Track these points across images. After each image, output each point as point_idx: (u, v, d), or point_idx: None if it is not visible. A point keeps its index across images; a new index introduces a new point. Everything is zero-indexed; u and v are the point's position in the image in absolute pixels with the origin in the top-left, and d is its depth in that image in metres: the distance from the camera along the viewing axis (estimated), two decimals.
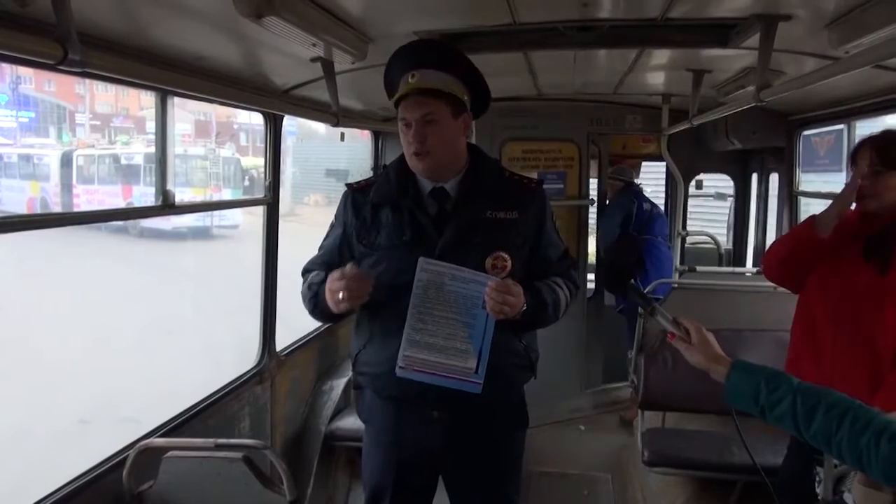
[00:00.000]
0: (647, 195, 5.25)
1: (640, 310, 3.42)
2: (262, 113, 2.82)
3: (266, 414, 3.00)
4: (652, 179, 6.75)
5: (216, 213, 14.49)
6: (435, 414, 1.96)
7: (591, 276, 5.00)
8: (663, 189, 5.84)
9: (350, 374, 2.59)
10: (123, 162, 15.66)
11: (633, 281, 4.63)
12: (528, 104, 4.31)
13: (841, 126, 3.51)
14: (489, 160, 2.07)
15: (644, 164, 6.14)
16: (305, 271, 2.09)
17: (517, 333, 1.99)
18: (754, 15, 2.01)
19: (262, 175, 3.00)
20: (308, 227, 4.17)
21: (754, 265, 5.07)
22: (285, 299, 2.94)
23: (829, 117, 3.42)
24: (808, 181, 3.85)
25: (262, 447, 2.13)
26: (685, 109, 3.67)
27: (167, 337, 8.96)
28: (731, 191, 5.50)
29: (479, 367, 1.85)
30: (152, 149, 3.18)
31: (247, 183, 16.36)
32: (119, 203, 14.33)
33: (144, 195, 13.46)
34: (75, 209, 14.24)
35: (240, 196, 15.61)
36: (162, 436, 2.25)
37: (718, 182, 5.90)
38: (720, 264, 5.24)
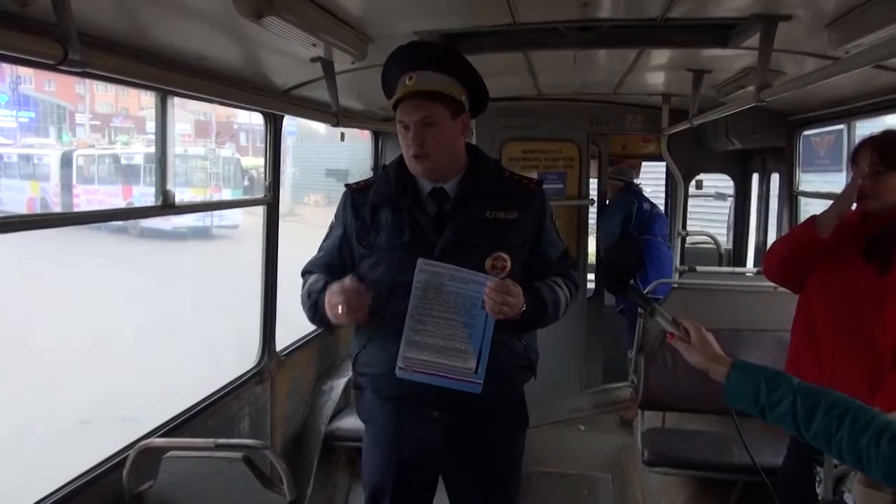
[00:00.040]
0: (646, 195, 5.26)
1: (639, 310, 3.43)
2: (262, 113, 2.82)
3: (266, 414, 3.00)
4: (652, 179, 6.75)
5: (216, 213, 14.49)
6: (435, 414, 1.96)
7: (591, 276, 5.00)
8: (663, 189, 5.84)
9: (350, 374, 2.59)
10: (123, 162, 15.66)
11: (632, 281, 4.63)
12: (528, 104, 4.31)
13: (841, 126, 3.51)
14: (488, 160, 2.07)
15: (644, 164, 6.14)
16: (305, 272, 2.09)
17: (517, 333, 1.99)
18: (754, 15, 2.01)
19: (262, 175, 3.00)
20: (308, 227, 4.17)
21: (755, 265, 5.07)
22: (285, 299, 2.94)
23: (829, 117, 3.42)
24: (808, 181, 3.86)
25: (262, 447, 2.13)
26: (685, 109, 3.67)
27: (167, 337, 8.96)
28: (730, 191, 5.50)
29: (479, 368, 1.85)
30: (152, 149, 3.18)
31: (247, 183, 16.36)
32: (119, 203, 14.33)
33: (144, 195, 13.46)
34: (75, 209, 14.24)
35: (240, 196, 15.61)
36: (162, 436, 2.25)
37: (718, 182, 5.90)
38: (720, 264, 5.24)
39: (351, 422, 3.26)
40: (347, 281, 1.84)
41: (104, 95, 25.44)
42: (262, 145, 2.96)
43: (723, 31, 2.27)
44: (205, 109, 22.50)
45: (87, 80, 14.79)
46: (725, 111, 3.05)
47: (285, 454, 3.12)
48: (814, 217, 2.24)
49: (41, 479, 2.09)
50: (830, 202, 2.27)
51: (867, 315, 2.08)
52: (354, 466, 3.52)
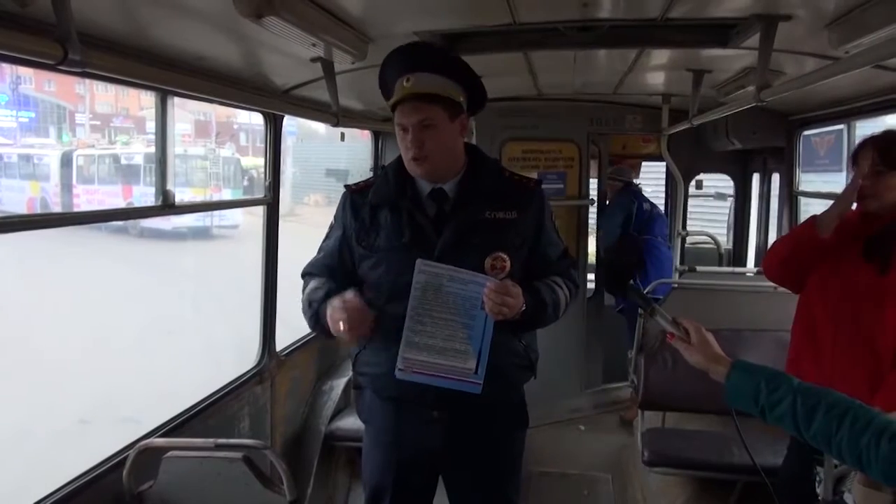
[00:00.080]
0: (646, 195, 5.26)
1: (639, 310, 3.43)
2: (262, 113, 2.82)
3: (266, 414, 3.00)
4: (652, 179, 6.74)
5: (216, 213, 14.49)
6: (435, 414, 1.96)
7: (591, 276, 5.00)
8: (663, 189, 5.84)
9: (350, 374, 2.59)
10: (123, 162, 15.65)
11: (632, 281, 4.63)
12: (528, 104, 4.31)
13: (841, 126, 3.51)
14: (487, 160, 2.07)
15: (644, 164, 6.14)
16: (305, 274, 2.09)
17: (516, 333, 1.99)
18: (754, 15, 2.01)
19: (262, 175, 3.00)
20: (308, 227, 4.17)
21: (756, 265, 5.07)
22: (285, 299, 2.95)
23: (829, 117, 3.42)
24: (808, 181, 3.86)
25: (262, 447, 2.13)
26: (685, 109, 3.67)
27: (167, 337, 8.96)
28: (730, 191, 5.50)
29: (479, 368, 1.85)
30: (152, 149, 3.18)
31: (246, 183, 16.36)
32: (119, 203, 14.33)
33: (144, 195, 13.46)
34: (75, 209, 14.23)
35: (240, 196, 15.62)
36: (162, 436, 2.25)
37: (718, 182, 5.90)
38: (720, 264, 5.24)
39: (351, 422, 3.26)
40: (349, 295, 1.84)
41: (104, 95, 25.44)
42: (262, 145, 2.96)
43: (723, 31, 2.27)
44: (205, 109, 22.50)
45: (87, 80, 14.79)
46: (725, 111, 3.05)
47: (285, 454, 3.12)
48: (814, 217, 2.24)
49: (41, 479, 2.09)
50: (830, 202, 2.27)
51: (867, 315, 2.08)
52: (354, 466, 3.52)
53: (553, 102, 4.34)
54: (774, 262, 2.35)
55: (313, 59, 2.29)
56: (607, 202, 5.09)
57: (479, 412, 1.96)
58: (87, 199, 14.96)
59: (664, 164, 5.07)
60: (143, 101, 23.63)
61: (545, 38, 2.38)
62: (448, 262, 1.85)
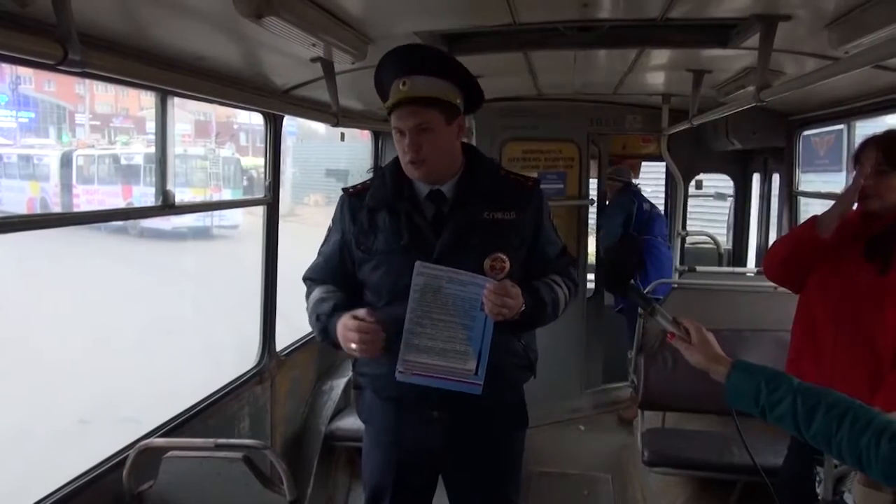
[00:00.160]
0: (645, 195, 5.26)
1: (639, 310, 3.43)
2: (262, 113, 2.82)
3: (266, 414, 3.00)
4: (652, 179, 6.75)
5: (216, 213, 14.49)
6: (435, 414, 1.96)
7: (591, 276, 5.00)
8: (663, 189, 5.84)
9: (350, 374, 2.59)
10: (123, 162, 15.65)
11: (633, 281, 4.63)
12: (528, 104, 4.31)
13: (841, 126, 3.51)
14: (485, 160, 2.06)
15: (644, 164, 6.15)
16: (307, 279, 2.09)
17: (516, 333, 1.98)
18: (754, 15, 2.01)
19: (262, 175, 3.00)
20: (308, 227, 4.18)
21: (756, 265, 5.07)
22: (285, 299, 2.95)
23: (829, 117, 3.42)
24: (808, 181, 3.86)
25: (262, 447, 2.13)
26: (685, 109, 3.68)
27: (167, 337, 8.96)
28: (730, 191, 5.51)
29: (479, 369, 1.85)
30: (152, 149, 3.18)
31: (246, 183, 16.36)
32: (119, 203, 14.33)
33: (144, 195, 13.46)
34: (75, 209, 14.24)
35: (240, 196, 15.62)
36: (162, 436, 2.25)
37: (718, 182, 5.90)
38: (720, 264, 5.24)
39: (351, 422, 3.26)
40: (362, 313, 1.83)
41: (104, 96, 25.44)
42: (262, 145, 2.96)
43: (723, 32, 2.27)
44: (205, 109, 22.50)
45: (87, 80, 14.77)
46: (725, 111, 3.05)
47: (285, 454, 3.12)
48: (815, 217, 2.24)
49: (40, 480, 2.09)
50: (830, 202, 2.27)
51: (867, 315, 2.08)
52: (354, 466, 3.52)
53: (553, 102, 4.34)
54: (775, 262, 2.35)
55: (313, 59, 2.29)
56: (607, 202, 5.10)
57: (479, 412, 1.95)
58: (86, 199, 14.96)
59: (664, 164, 5.07)
60: (143, 102, 23.64)
61: (545, 38, 2.38)
62: (447, 264, 1.84)
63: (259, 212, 2.95)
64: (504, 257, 1.89)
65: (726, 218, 5.80)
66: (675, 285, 3.74)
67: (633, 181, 5.39)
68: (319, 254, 2.10)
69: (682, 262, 5.01)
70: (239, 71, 2.42)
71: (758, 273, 3.97)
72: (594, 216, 5.01)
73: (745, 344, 3.16)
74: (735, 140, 4.24)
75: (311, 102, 2.92)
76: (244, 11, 1.58)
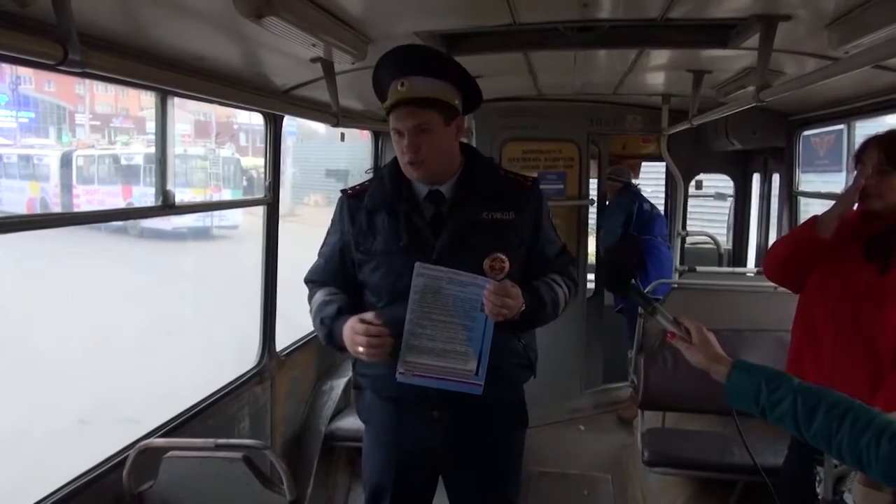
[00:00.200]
0: (645, 195, 5.26)
1: (639, 310, 3.43)
2: (262, 113, 2.82)
3: (266, 414, 3.00)
4: (652, 179, 6.75)
5: (216, 213, 14.49)
6: (435, 414, 1.96)
7: (591, 276, 5.01)
8: (663, 189, 5.84)
9: (350, 374, 2.59)
10: (123, 162, 15.65)
11: (633, 281, 4.64)
12: (528, 104, 4.31)
13: (841, 126, 3.51)
14: (484, 160, 2.06)
15: (644, 164, 6.15)
16: (309, 281, 2.09)
17: (516, 333, 1.98)
18: (754, 15, 2.01)
19: (262, 175, 3.00)
20: (308, 228, 4.18)
21: (756, 265, 5.07)
22: (285, 299, 2.95)
23: (829, 117, 3.42)
24: (808, 181, 3.86)
25: (262, 447, 2.13)
26: (685, 109, 3.68)
27: (167, 337, 8.96)
28: (730, 191, 5.51)
29: (480, 369, 1.85)
30: (152, 149, 3.18)
31: (246, 183, 16.36)
32: (119, 203, 14.34)
33: (144, 195, 13.46)
34: (75, 209, 14.24)
35: (240, 196, 15.62)
36: (162, 436, 2.25)
37: (718, 182, 5.90)
38: (720, 264, 5.24)
39: (351, 422, 3.26)
40: (369, 316, 1.83)
41: (104, 96, 25.45)
42: (262, 145, 2.96)
43: (723, 32, 2.27)
44: (205, 109, 22.51)
45: (87, 81, 14.77)
46: (725, 111, 3.05)
47: (285, 454, 3.12)
48: (815, 217, 2.24)
49: (39, 480, 2.09)
50: (830, 202, 2.27)
51: (867, 315, 2.08)
52: (354, 466, 3.52)
53: (553, 102, 4.35)
54: (775, 262, 2.35)
55: (313, 60, 2.29)
56: (607, 202, 5.10)
57: (479, 412, 1.95)
58: (86, 199, 14.96)
59: (664, 164, 5.08)
60: (142, 102, 23.65)
61: (545, 38, 2.38)
62: (446, 264, 1.84)
63: (259, 212, 2.95)
64: (503, 257, 1.89)
65: (726, 218, 5.80)
66: (675, 285, 3.74)
67: (633, 181, 5.39)
68: (319, 255, 2.10)
69: (682, 263, 5.02)
70: (239, 71, 2.42)
71: (758, 273, 3.97)
72: (594, 216, 5.01)
73: (745, 344, 3.16)
74: (735, 140, 4.24)
75: (311, 102, 2.92)
76: (244, 11, 1.58)
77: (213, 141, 22.13)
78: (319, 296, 2.01)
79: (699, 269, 4.46)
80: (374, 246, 1.95)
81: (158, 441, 2.11)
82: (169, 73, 2.06)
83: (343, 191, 2.07)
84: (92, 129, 24.48)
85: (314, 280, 2.08)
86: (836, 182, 3.75)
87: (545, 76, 3.46)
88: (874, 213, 2.13)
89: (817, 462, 1.76)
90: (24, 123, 21.97)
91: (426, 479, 2.09)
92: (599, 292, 5.00)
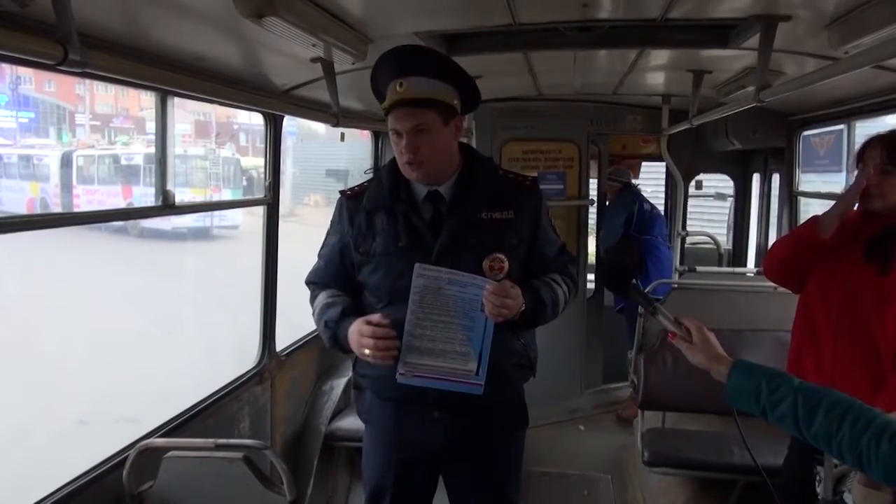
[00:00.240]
0: (645, 195, 5.26)
1: (639, 310, 3.43)
2: (262, 113, 2.82)
3: (266, 414, 3.00)
4: (652, 179, 6.75)
5: (216, 213, 14.49)
6: (435, 414, 1.97)
7: (591, 277, 5.01)
8: (663, 189, 5.84)
9: (350, 374, 2.59)
10: (123, 162, 15.66)
11: (634, 281, 4.63)
12: (528, 104, 4.31)
13: (841, 126, 3.51)
14: (483, 160, 2.06)
15: (644, 164, 6.15)
16: (311, 283, 2.09)
17: (516, 333, 1.98)
18: (754, 15, 2.01)
19: (262, 175, 3.00)
20: (308, 228, 4.18)
21: (756, 265, 5.07)
22: (285, 299, 2.95)
23: (829, 117, 3.42)
24: (808, 181, 3.86)
25: (262, 447, 2.12)
26: (685, 110, 3.68)
27: (167, 337, 8.96)
28: (730, 191, 5.51)
29: (480, 369, 1.85)
30: (152, 149, 3.18)
31: (246, 183, 16.36)
32: (119, 203, 14.34)
33: (144, 195, 13.47)
34: (75, 209, 14.24)
35: (240, 196, 15.62)
36: (162, 436, 2.25)
37: (718, 182, 5.91)
38: (720, 264, 5.25)
39: (351, 422, 3.26)
40: (377, 318, 1.83)
41: (104, 96, 25.46)
42: (262, 145, 2.96)
43: (723, 32, 2.27)
44: (205, 109, 22.52)
45: (87, 81, 14.77)
46: (725, 111, 3.05)
47: (285, 454, 3.12)
48: (815, 217, 2.23)
49: (39, 480, 2.09)
50: (830, 202, 2.27)
51: (867, 315, 2.07)
52: (354, 466, 3.52)
53: (553, 103, 4.35)
54: (775, 262, 2.35)
55: (313, 60, 2.29)
56: (607, 202, 5.10)
57: (480, 412, 1.95)
58: (87, 199, 14.97)
59: (664, 164, 5.08)
60: (143, 102, 23.67)
61: (545, 38, 2.38)
62: (446, 265, 1.84)
63: (259, 212, 2.95)
64: (503, 257, 1.89)
65: (726, 218, 5.81)
66: (675, 285, 3.74)
67: (633, 181, 5.39)
68: (319, 257, 2.10)
69: (682, 263, 5.02)
70: (239, 71, 2.42)
71: (758, 273, 3.97)
72: (594, 216, 5.01)
73: (745, 344, 3.16)
74: (735, 140, 4.24)
75: (311, 102, 2.92)
76: (244, 12, 1.58)
77: (213, 141, 22.14)
78: (322, 298, 2.01)
79: (699, 269, 4.46)
80: (374, 247, 1.95)
81: (158, 441, 2.11)
82: (169, 73, 2.06)
83: (342, 192, 2.07)
84: (92, 129, 24.49)
85: (315, 282, 2.08)
86: (836, 182, 3.75)
87: (545, 76, 3.46)
88: (875, 212, 2.13)
89: (817, 462, 1.76)
90: (24, 123, 21.98)
91: (426, 479, 2.09)
92: (599, 292, 5.00)
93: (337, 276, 2.03)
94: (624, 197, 5.03)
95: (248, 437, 2.76)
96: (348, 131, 3.66)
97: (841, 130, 3.58)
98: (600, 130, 4.69)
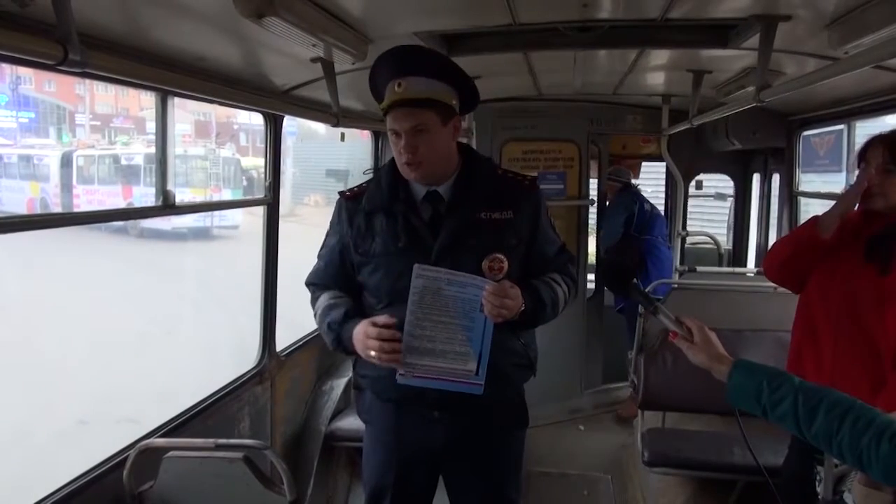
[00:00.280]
0: (645, 195, 5.27)
1: (639, 309, 3.43)
2: (262, 113, 2.82)
3: (266, 414, 3.00)
4: (652, 179, 6.75)
5: (216, 213, 14.49)
6: (435, 414, 1.97)
7: (591, 277, 5.01)
8: (663, 189, 5.85)
9: (350, 374, 2.59)
10: (123, 162, 15.67)
11: (634, 281, 4.63)
12: (528, 104, 4.31)
13: (841, 126, 3.52)
14: (482, 160, 2.06)
15: (644, 164, 6.15)
16: (311, 284, 2.09)
17: (516, 332, 1.98)
18: (754, 15, 2.01)
19: (262, 175, 3.00)
20: (308, 228, 4.19)
21: (756, 265, 5.07)
22: (285, 299, 2.95)
23: (829, 117, 3.42)
24: (808, 181, 3.86)
25: (262, 447, 2.12)
26: (685, 110, 3.68)
27: (167, 337, 8.96)
28: (730, 191, 5.51)
29: (480, 369, 1.85)
30: (152, 149, 3.18)
31: (246, 183, 16.37)
32: (119, 203, 14.34)
33: (144, 195, 13.47)
34: (75, 209, 14.24)
35: (240, 196, 15.62)
36: (162, 436, 2.25)
37: (718, 182, 5.91)
38: (720, 264, 5.25)
39: (351, 422, 3.26)
40: (382, 320, 1.83)
41: (104, 96, 25.47)
42: (262, 145, 2.96)
43: (723, 32, 2.27)
44: (205, 109, 22.52)
45: (87, 81, 14.77)
46: (725, 111, 3.05)
47: (285, 454, 3.12)
48: (815, 217, 2.23)
49: (38, 480, 2.09)
50: (830, 202, 2.27)
51: (868, 315, 2.07)
52: (354, 466, 3.52)
53: (553, 103, 4.35)
54: (775, 262, 2.35)
55: (313, 60, 2.29)
56: (607, 203, 5.10)
57: (480, 412, 1.95)
58: (87, 199, 14.97)
59: (664, 164, 5.08)
60: (143, 102, 23.68)
61: (545, 38, 2.39)
62: (445, 265, 1.84)
63: (259, 212, 2.95)
64: (502, 257, 1.89)
65: (726, 218, 5.81)
66: (676, 285, 3.74)
67: (633, 181, 5.39)
68: (319, 258, 2.09)
69: (682, 263, 5.02)
70: (239, 71, 2.42)
71: (758, 273, 3.97)
72: (594, 216, 5.01)
73: (745, 344, 3.16)
74: (735, 140, 4.24)
75: (311, 102, 2.92)
76: (245, 12, 1.58)
77: (213, 141, 22.15)
78: (324, 300, 2.01)
79: (699, 269, 4.46)
80: (373, 248, 1.95)
81: (158, 441, 2.11)
82: (169, 73, 2.06)
83: (341, 193, 2.07)
84: (92, 129, 24.49)
85: (316, 283, 2.07)
86: (837, 182, 3.75)
87: (545, 76, 3.46)
88: (876, 212, 2.13)
89: (818, 462, 1.76)
90: (24, 123, 21.99)
91: (426, 479, 2.09)
92: (599, 292, 5.00)
93: (337, 276, 2.03)
94: (624, 197, 5.03)
95: (248, 437, 2.76)
96: (348, 131, 3.66)
97: (841, 130, 3.58)
98: (600, 130, 4.69)
